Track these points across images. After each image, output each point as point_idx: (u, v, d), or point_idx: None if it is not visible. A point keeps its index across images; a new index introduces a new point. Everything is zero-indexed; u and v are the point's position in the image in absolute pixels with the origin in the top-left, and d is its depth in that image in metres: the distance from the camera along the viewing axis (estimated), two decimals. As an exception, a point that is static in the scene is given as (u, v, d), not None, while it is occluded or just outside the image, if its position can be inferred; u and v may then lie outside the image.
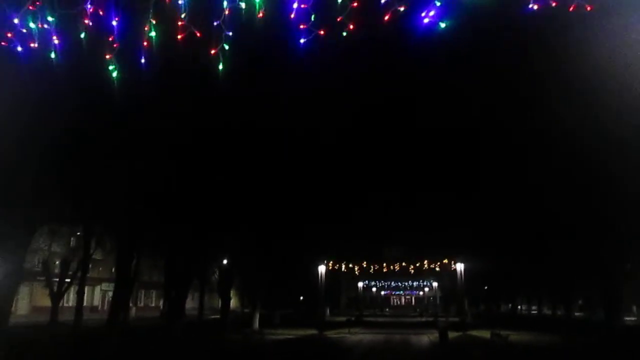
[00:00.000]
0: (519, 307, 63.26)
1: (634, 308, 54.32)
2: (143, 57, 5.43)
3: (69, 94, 10.64)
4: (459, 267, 41.73)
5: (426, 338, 29.43)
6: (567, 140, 16.41)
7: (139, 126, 14.54)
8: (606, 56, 10.48)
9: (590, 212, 20.43)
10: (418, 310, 75.36)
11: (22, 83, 8.79)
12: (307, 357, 20.31)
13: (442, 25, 5.68)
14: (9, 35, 5.33)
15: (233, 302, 49.31)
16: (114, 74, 5.46)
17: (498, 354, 20.69)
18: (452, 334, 28.49)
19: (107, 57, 5.35)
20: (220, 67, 5.35)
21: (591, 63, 11.33)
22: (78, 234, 36.69)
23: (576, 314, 48.35)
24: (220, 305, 37.75)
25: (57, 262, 38.29)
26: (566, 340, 25.45)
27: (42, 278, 36.74)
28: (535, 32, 10.82)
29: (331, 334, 31.71)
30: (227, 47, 5.29)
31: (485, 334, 27.98)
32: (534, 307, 62.84)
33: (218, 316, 38.63)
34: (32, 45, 5.33)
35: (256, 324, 34.42)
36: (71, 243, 38.05)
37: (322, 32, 5.40)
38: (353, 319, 43.42)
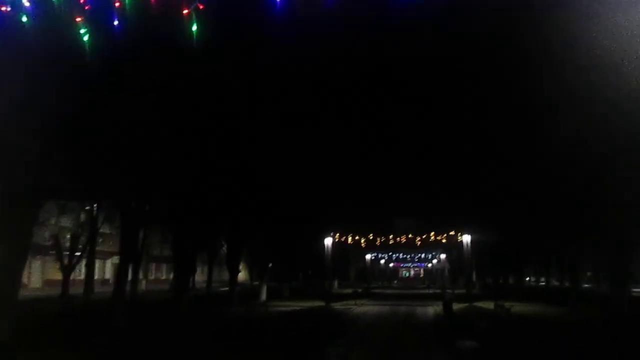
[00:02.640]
0: (527, 279, 63.26)
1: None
2: (116, 20, 5.30)
3: (52, 64, 10.53)
4: (466, 239, 41.63)
5: (431, 309, 29.62)
6: (580, 103, 16.06)
7: (133, 97, 14.45)
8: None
9: (596, 182, 20.14)
10: (426, 282, 75.82)
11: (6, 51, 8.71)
12: (309, 328, 20.50)
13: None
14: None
15: (242, 275, 49.83)
16: (85, 38, 5.33)
17: (499, 324, 20.75)
18: (457, 306, 28.65)
19: (78, 19, 5.22)
20: (194, 28, 5.20)
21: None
22: (87, 208, 37.07)
23: (584, 285, 48.24)
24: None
25: (68, 237, 38.77)
26: (569, 312, 25.47)
27: (53, 252, 37.27)
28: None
29: (337, 305, 31.99)
30: (201, 6, 5.14)
31: (491, 305, 28.06)
32: (542, 279, 62.85)
33: (227, 289, 39.07)
34: (3, 9, 5.22)
35: (263, 296, 34.79)
36: (81, 218, 38.41)
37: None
38: (360, 290, 43.67)
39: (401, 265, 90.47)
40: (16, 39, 6.48)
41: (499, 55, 15.67)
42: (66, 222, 37.49)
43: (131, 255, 24.85)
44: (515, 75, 16.20)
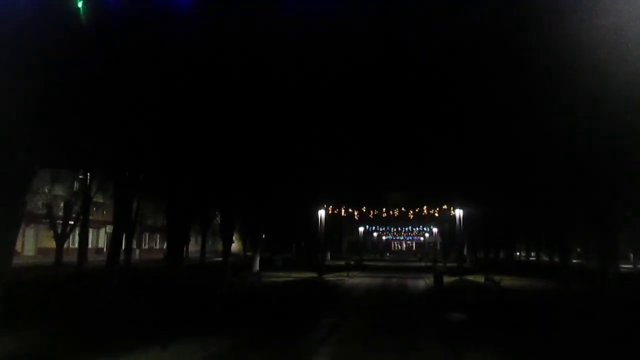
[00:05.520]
0: (518, 253, 64.06)
1: (631, 256, 54.87)
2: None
3: (45, 31, 10.32)
4: (458, 213, 41.99)
5: (423, 282, 30.02)
6: (567, 80, 16.08)
7: (126, 67, 14.29)
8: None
9: (586, 159, 20.27)
10: (418, 255, 76.64)
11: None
12: (302, 299, 20.78)
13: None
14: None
15: (235, 246, 50.14)
16: (80, 5, 5.24)
17: (488, 297, 21.11)
18: (448, 279, 29.08)
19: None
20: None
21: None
22: (80, 177, 36.97)
23: (574, 261, 48.88)
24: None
25: (61, 205, 38.75)
26: (558, 286, 25.89)
27: (47, 221, 37.33)
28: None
29: (330, 277, 32.31)
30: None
31: (481, 278, 28.45)
32: (532, 254, 63.61)
33: (220, 259, 39.35)
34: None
35: (256, 267, 35.09)
36: (74, 187, 38.33)
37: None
38: (353, 263, 44.09)
39: (394, 238, 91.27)
40: (8, 7, 6.34)
41: (498, 40, 15.65)
42: (59, 190, 37.40)
43: (125, 225, 24.95)
44: (511, 53, 16.17)
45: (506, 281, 25.91)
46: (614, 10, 11.40)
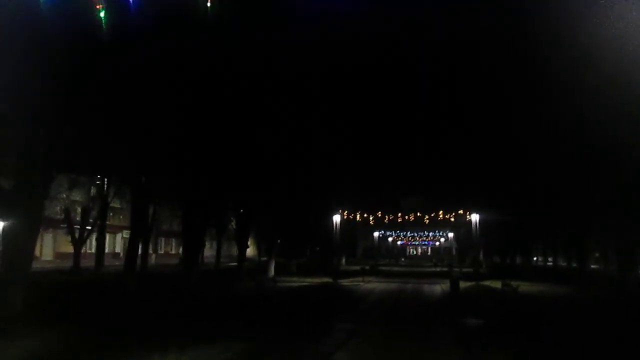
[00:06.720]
0: (535, 258, 63.31)
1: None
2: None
3: (65, 37, 10.47)
4: (474, 218, 41.67)
5: (438, 287, 29.77)
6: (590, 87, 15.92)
7: (146, 72, 14.45)
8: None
9: (604, 164, 20.03)
10: (433, 260, 76.06)
11: (20, 25, 8.66)
12: (318, 303, 20.73)
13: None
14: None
15: (250, 251, 50.26)
16: (102, 14, 5.31)
17: (505, 303, 20.85)
18: (464, 284, 28.77)
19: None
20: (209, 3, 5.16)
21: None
22: (97, 183, 37.39)
23: (592, 266, 48.18)
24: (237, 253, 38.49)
25: (79, 210, 39.15)
26: (576, 292, 25.50)
27: (64, 225, 37.73)
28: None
29: (345, 282, 32.18)
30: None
31: (497, 284, 28.12)
32: (549, 259, 62.81)
33: (236, 264, 39.43)
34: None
35: (271, 272, 35.11)
36: (91, 192, 38.74)
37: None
38: (368, 268, 43.82)
39: (409, 243, 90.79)
40: (31, 13, 6.45)
41: (509, 40, 15.58)
42: (77, 196, 37.76)
43: (141, 230, 25.16)
44: (526, 58, 16.08)
45: (523, 287, 25.57)
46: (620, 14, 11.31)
